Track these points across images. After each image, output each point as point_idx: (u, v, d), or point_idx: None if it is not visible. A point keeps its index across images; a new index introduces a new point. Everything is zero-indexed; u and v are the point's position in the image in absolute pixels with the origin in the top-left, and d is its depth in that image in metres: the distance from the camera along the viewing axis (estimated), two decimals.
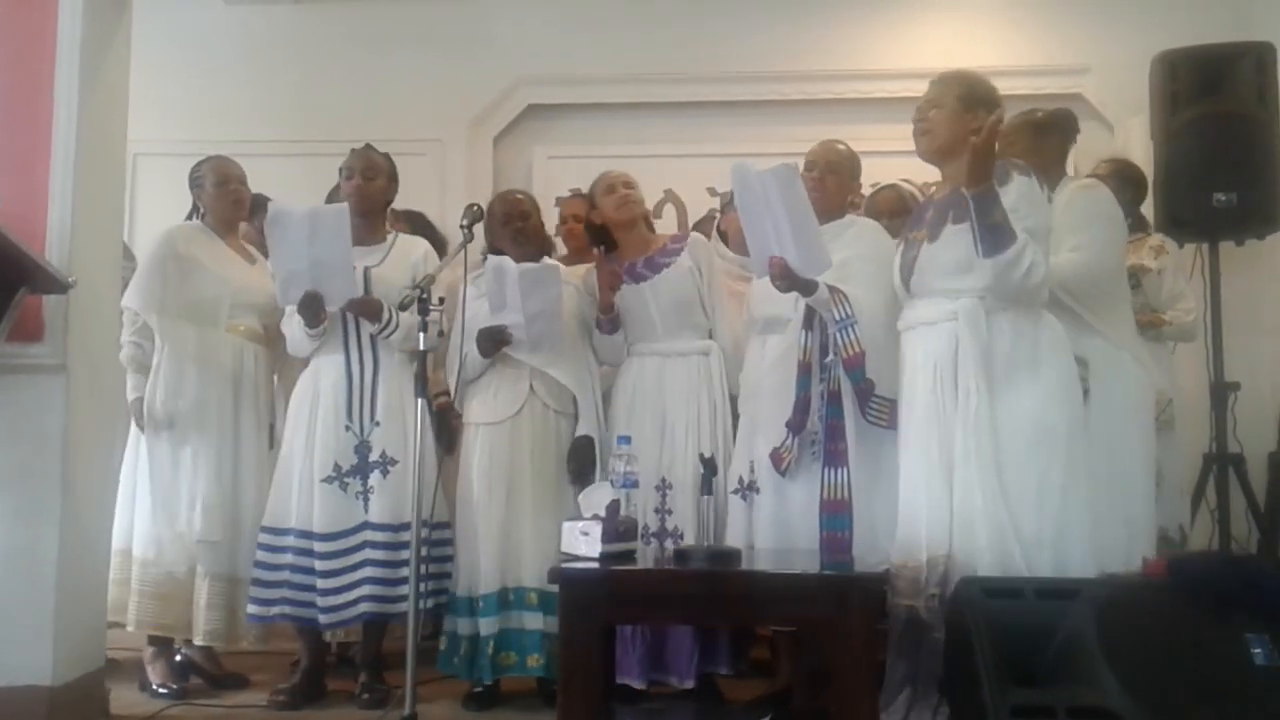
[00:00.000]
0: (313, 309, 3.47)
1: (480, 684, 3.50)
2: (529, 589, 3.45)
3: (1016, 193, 2.78)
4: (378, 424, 3.56)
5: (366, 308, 3.55)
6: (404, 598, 3.35)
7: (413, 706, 2.97)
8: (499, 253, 3.65)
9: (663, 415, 3.51)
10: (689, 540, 3.27)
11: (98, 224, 3.36)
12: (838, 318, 3.10)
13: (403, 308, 3.31)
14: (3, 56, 3.26)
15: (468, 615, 3.48)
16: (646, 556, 2.98)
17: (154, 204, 4.26)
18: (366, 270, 3.60)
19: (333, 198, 4.05)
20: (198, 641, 3.68)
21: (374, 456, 3.54)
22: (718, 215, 4.40)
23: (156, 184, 4.16)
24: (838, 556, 2.99)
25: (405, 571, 3.37)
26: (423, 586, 3.40)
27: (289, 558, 3.51)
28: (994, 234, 2.71)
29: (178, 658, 3.77)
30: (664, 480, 3.41)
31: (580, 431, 3.58)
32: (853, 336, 3.08)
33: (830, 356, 3.14)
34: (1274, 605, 2.49)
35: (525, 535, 3.48)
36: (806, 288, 3.08)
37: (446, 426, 3.68)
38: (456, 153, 5.27)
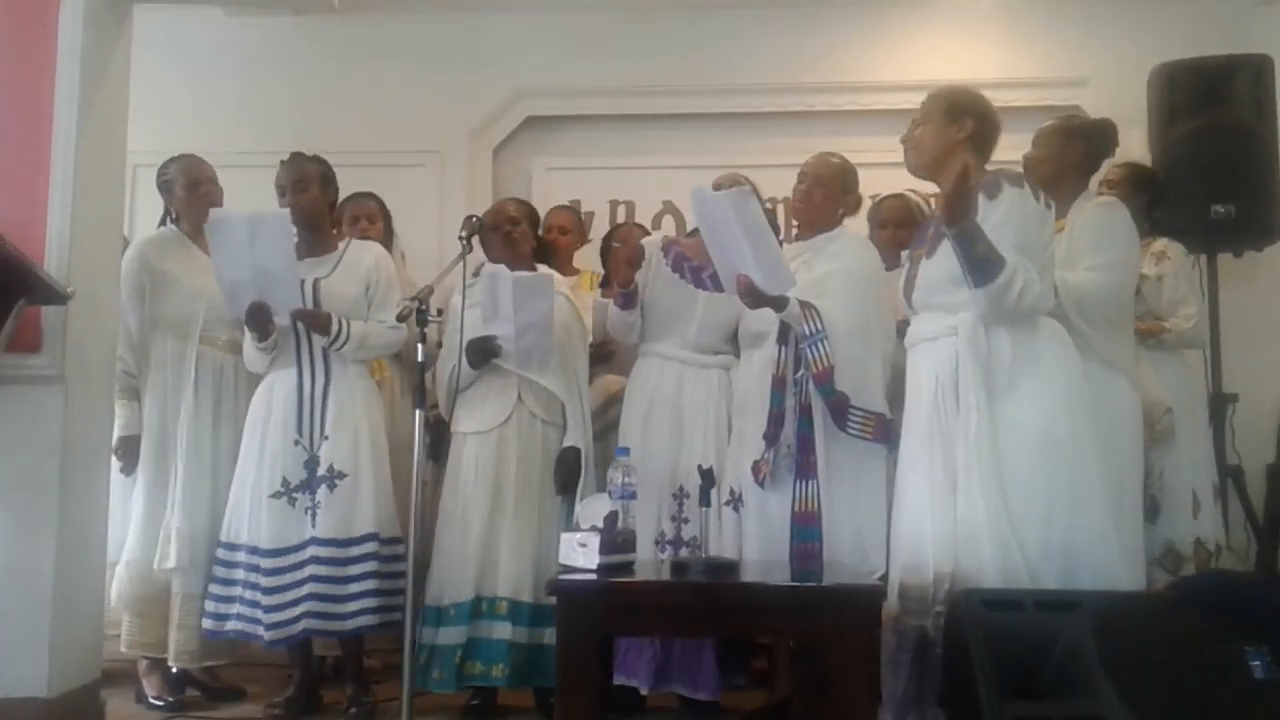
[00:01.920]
0: (259, 320, 3.42)
1: (476, 695, 3.50)
2: (500, 598, 3.44)
3: (1007, 205, 2.76)
4: (327, 438, 3.50)
5: (315, 320, 3.49)
6: (348, 614, 3.39)
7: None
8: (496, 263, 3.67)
9: (680, 424, 3.51)
10: (709, 549, 3.28)
11: (97, 235, 3.36)
12: (808, 333, 3.12)
13: (401, 319, 3.30)
14: (3, 67, 3.27)
15: (435, 625, 3.45)
16: (651, 567, 2.98)
17: (154, 215, 4.25)
18: (316, 282, 3.54)
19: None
20: (171, 663, 3.65)
21: (321, 470, 3.48)
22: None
23: (156, 195, 4.16)
24: (807, 567, 3.00)
25: (352, 588, 3.40)
26: (374, 602, 3.42)
27: (241, 574, 3.48)
28: (981, 266, 2.70)
29: (173, 670, 3.75)
30: (681, 489, 3.42)
31: (568, 442, 3.58)
32: (822, 351, 3.10)
33: (801, 371, 3.15)
34: (1272, 620, 2.48)
35: (503, 544, 3.47)
36: (777, 304, 3.11)
37: (437, 437, 3.68)
38: (456, 164, 5.27)
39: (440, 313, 3.37)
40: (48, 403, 3.16)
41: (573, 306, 3.69)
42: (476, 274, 3.67)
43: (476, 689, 3.50)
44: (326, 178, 3.67)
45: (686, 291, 3.56)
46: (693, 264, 3.57)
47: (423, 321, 3.15)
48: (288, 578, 3.43)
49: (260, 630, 3.43)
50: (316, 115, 5.14)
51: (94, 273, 3.33)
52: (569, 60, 5.25)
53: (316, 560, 3.42)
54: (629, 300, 3.54)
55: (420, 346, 3.18)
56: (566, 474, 3.53)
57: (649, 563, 3.14)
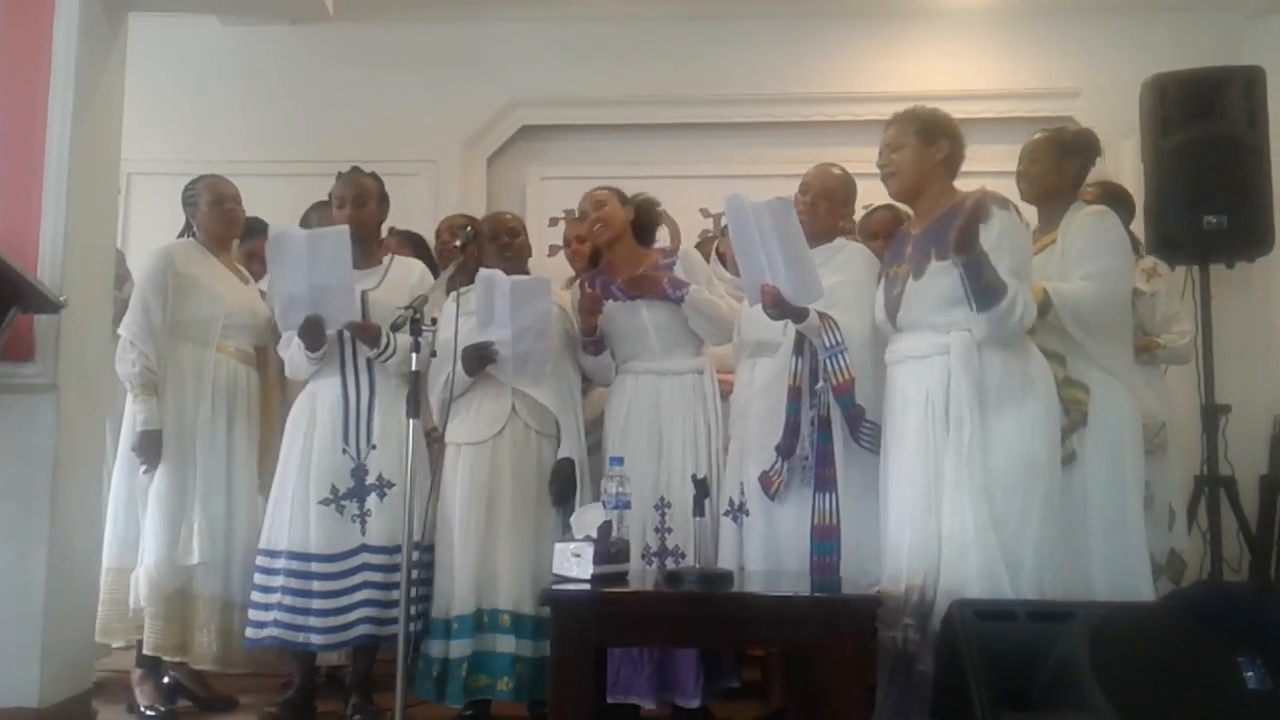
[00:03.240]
0: (314, 333, 3.47)
1: (469, 707, 3.48)
2: (502, 611, 3.43)
3: (999, 229, 2.82)
4: (374, 447, 3.56)
5: (365, 332, 3.55)
6: (397, 619, 3.37)
7: None
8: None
9: (659, 434, 3.50)
10: (690, 559, 3.27)
11: (90, 243, 3.36)
12: (828, 345, 3.11)
13: (395, 328, 3.31)
14: None
15: (442, 637, 3.45)
16: (644, 577, 2.98)
17: (148, 223, 4.27)
18: (364, 294, 3.60)
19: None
20: (195, 665, 3.66)
21: (370, 479, 3.54)
22: (716, 238, 4.41)
23: (151, 203, 4.17)
24: (826, 580, 3.00)
25: (398, 594, 3.38)
26: (421, 607, 3.41)
27: (280, 580, 3.49)
28: (987, 292, 2.78)
29: (165, 679, 3.74)
30: (662, 499, 3.41)
31: (562, 454, 3.57)
32: (843, 363, 3.10)
33: (820, 383, 3.15)
34: (1265, 630, 2.49)
35: (500, 557, 3.46)
36: (798, 315, 3.11)
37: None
38: (450, 173, 5.27)
39: (435, 322, 3.37)
40: (40, 411, 3.15)
41: (567, 317, 3.69)
42: (471, 281, 3.67)
43: (471, 700, 3.48)
44: (383, 195, 3.75)
45: (630, 309, 3.58)
46: (616, 283, 3.60)
47: (417, 331, 3.14)
48: (342, 583, 3.47)
49: (310, 636, 3.45)
50: (311, 124, 5.15)
51: (87, 281, 3.33)
52: (563, 70, 5.27)
53: (369, 568, 3.48)
54: (597, 347, 3.58)
55: (415, 356, 3.17)
56: (562, 486, 3.53)
57: (641, 573, 3.13)
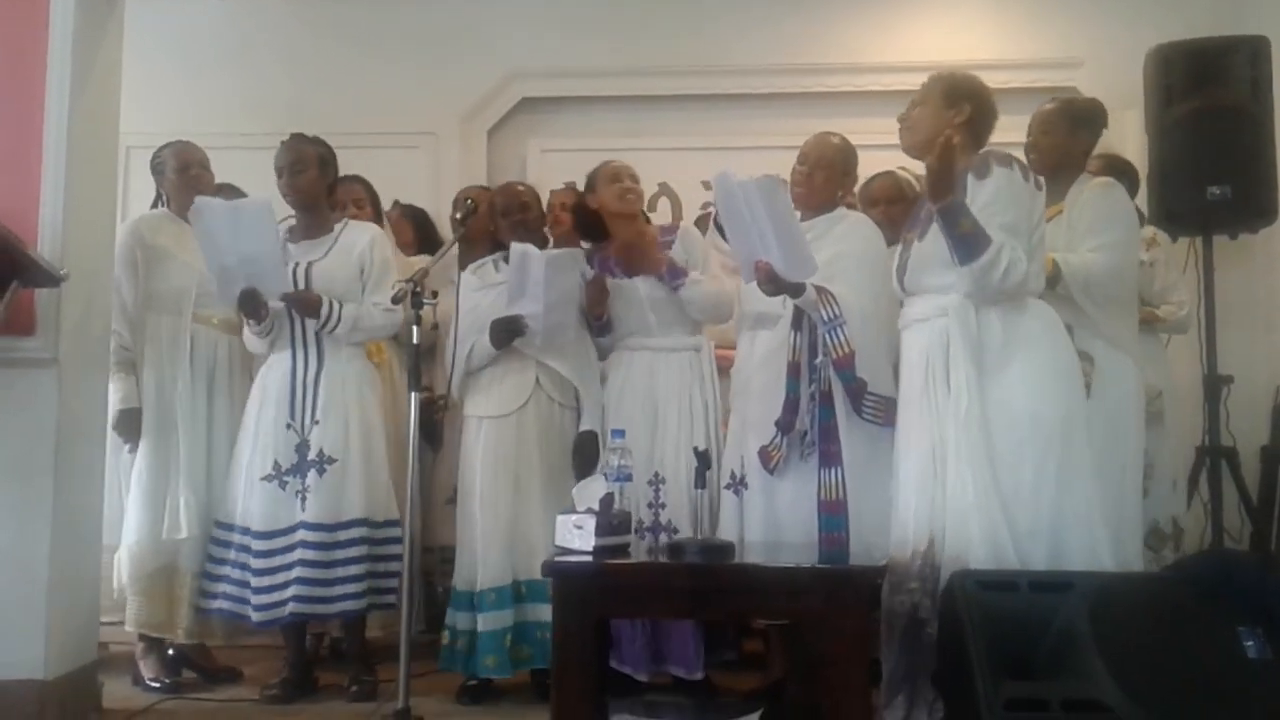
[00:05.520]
0: (251, 305, 3.43)
1: (474, 677, 3.50)
2: (546, 581, 3.44)
3: (995, 186, 2.76)
4: (317, 422, 3.52)
5: (303, 303, 3.50)
6: (335, 598, 3.42)
7: (406, 700, 2.97)
8: (499, 245, 3.67)
9: (654, 409, 3.51)
10: (684, 533, 3.27)
11: (90, 217, 3.35)
12: (826, 319, 3.10)
13: (395, 301, 3.29)
14: None
15: (469, 610, 3.46)
16: (640, 550, 2.99)
17: (147, 197, 4.24)
18: (310, 265, 3.56)
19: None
20: (180, 640, 3.69)
21: (311, 455, 3.50)
22: (714, 210, 4.39)
23: (149, 177, 4.15)
24: (835, 555, 3.01)
25: (339, 572, 3.43)
26: (359, 586, 3.45)
27: (233, 554, 3.52)
28: (965, 242, 2.71)
29: (170, 652, 3.76)
30: (656, 475, 3.40)
31: (584, 426, 3.57)
32: (842, 337, 3.09)
33: (820, 357, 3.15)
34: (1266, 600, 2.49)
35: (536, 528, 3.46)
36: (794, 290, 3.10)
37: (431, 421, 3.68)
38: (450, 146, 5.25)
39: (435, 295, 3.35)
40: (42, 386, 3.15)
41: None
42: (481, 255, 3.67)
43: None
44: (325, 159, 3.67)
45: (628, 287, 3.57)
46: (614, 260, 3.59)
47: (417, 304, 3.13)
48: (277, 560, 3.46)
49: (249, 611, 3.47)
50: (310, 97, 5.11)
51: (88, 255, 3.32)
52: (564, 41, 5.23)
53: (305, 544, 3.45)
54: (603, 329, 3.60)
55: (415, 329, 3.16)
56: (584, 459, 3.52)
57: (645, 545, 3.14)
